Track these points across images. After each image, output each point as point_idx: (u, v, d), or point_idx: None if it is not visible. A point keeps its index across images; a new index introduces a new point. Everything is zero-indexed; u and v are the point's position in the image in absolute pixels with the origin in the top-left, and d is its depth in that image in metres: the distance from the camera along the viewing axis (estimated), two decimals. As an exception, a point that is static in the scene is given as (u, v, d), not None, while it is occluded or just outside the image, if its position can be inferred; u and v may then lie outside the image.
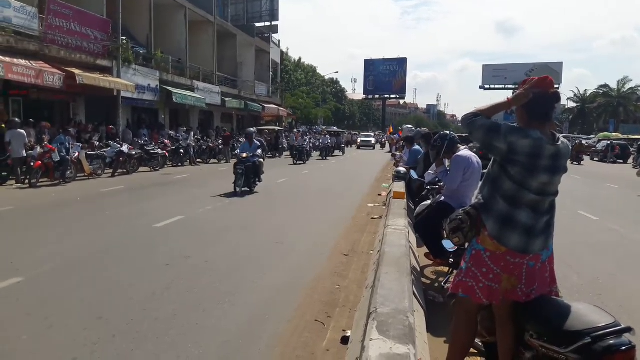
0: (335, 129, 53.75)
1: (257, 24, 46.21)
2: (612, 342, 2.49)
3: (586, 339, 2.51)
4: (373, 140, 55.29)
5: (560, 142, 2.93)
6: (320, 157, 33.24)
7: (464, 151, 5.64)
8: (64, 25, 19.43)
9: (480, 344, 3.48)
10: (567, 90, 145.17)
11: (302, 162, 27.85)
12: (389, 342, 2.32)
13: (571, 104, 78.98)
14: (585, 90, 77.16)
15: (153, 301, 5.03)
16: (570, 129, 69.94)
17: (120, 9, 22.49)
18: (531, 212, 2.94)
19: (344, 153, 39.89)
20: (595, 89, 74.23)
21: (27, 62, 17.10)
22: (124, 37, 23.46)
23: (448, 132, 6.11)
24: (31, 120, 16.95)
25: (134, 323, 4.42)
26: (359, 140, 55.03)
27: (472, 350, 3.37)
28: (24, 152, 14.53)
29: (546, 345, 2.71)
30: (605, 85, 71.64)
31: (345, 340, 4.10)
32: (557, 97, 3.03)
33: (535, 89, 2.95)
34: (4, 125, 15.40)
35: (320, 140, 35.83)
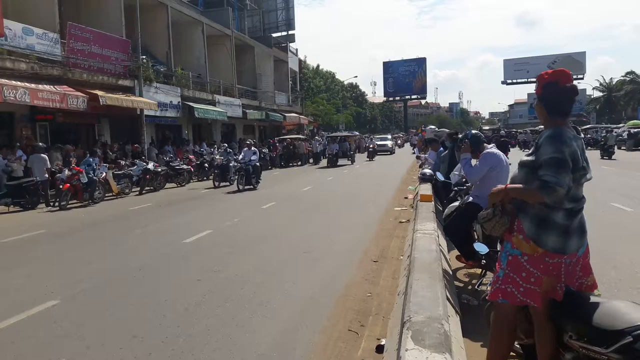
0: (343, 133, 47.06)
1: (274, 34, 46.53)
2: (655, 340, 2.42)
3: (627, 338, 2.45)
4: (390, 143, 47.23)
5: (581, 135, 3.01)
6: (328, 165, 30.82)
7: (494, 149, 5.59)
8: (85, 48, 19.84)
9: (518, 346, 3.41)
10: (593, 80, 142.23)
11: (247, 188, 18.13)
12: (425, 352, 2.31)
13: (597, 94, 77.37)
14: (611, 78, 75.38)
15: (187, 317, 5.06)
16: (598, 119, 68.42)
17: (138, 29, 22.91)
18: (566, 212, 2.92)
19: (353, 162, 33.23)
20: (622, 76, 72.51)
21: (52, 86, 17.48)
22: (143, 56, 23.83)
23: (469, 131, 6.07)
24: (59, 145, 17.31)
25: (169, 340, 4.45)
26: (372, 145, 41.03)
27: (510, 353, 3.30)
28: (46, 174, 14.94)
29: (587, 346, 2.65)
30: (632, 72, 69.84)
31: (380, 348, 4.06)
32: (574, 90, 2.98)
33: None
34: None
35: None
